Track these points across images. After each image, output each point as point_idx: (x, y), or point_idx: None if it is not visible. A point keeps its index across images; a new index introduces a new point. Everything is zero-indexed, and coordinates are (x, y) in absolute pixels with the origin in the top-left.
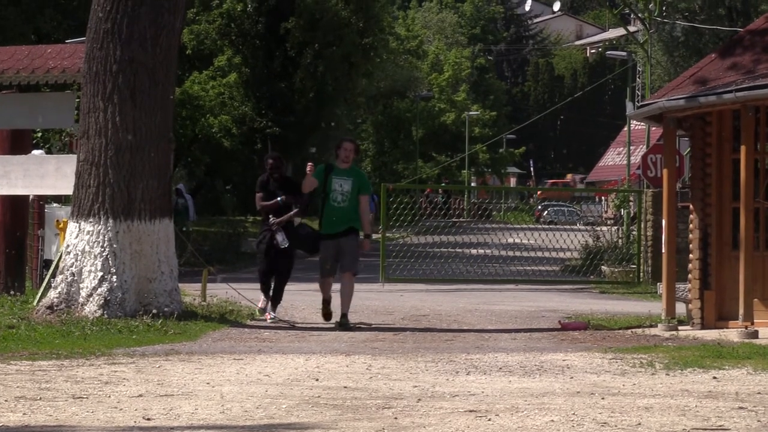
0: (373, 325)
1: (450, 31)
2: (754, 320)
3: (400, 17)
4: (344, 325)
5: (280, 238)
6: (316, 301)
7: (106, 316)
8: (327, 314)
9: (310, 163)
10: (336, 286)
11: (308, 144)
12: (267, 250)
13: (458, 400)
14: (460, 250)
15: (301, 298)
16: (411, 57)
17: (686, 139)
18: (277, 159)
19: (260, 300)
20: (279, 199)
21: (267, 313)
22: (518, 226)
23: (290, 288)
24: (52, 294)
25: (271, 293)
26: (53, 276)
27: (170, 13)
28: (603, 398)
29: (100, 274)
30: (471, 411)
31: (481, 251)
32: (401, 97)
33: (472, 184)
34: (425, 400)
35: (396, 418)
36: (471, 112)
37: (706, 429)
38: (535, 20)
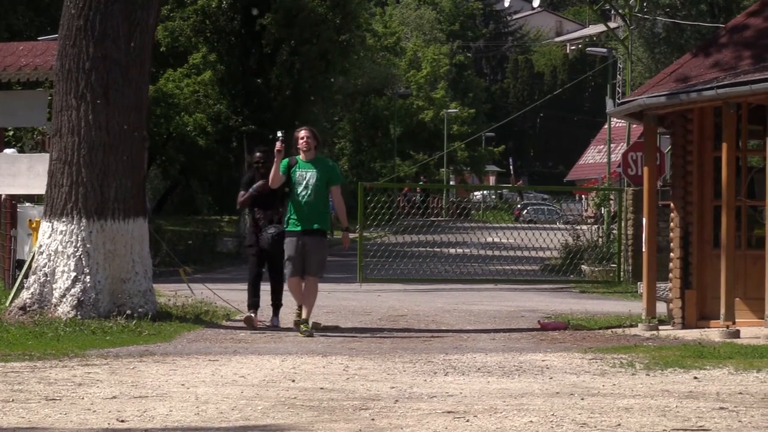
0: (345, 328)
1: (428, 27)
2: (736, 320)
3: (378, 14)
4: (306, 332)
5: (273, 230)
6: (293, 300)
7: (79, 317)
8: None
9: (279, 143)
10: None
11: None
12: (259, 253)
13: (436, 401)
14: (438, 250)
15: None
16: (388, 54)
17: (667, 136)
18: (267, 152)
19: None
20: (279, 135)
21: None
22: (497, 225)
23: (265, 288)
24: (25, 294)
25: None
26: (26, 276)
27: (144, 9)
28: (582, 399)
29: (73, 274)
30: (449, 412)
31: (459, 251)
32: (379, 94)
33: (451, 183)
34: (403, 401)
35: (373, 419)
36: (449, 110)
37: (686, 429)
38: (515, 16)
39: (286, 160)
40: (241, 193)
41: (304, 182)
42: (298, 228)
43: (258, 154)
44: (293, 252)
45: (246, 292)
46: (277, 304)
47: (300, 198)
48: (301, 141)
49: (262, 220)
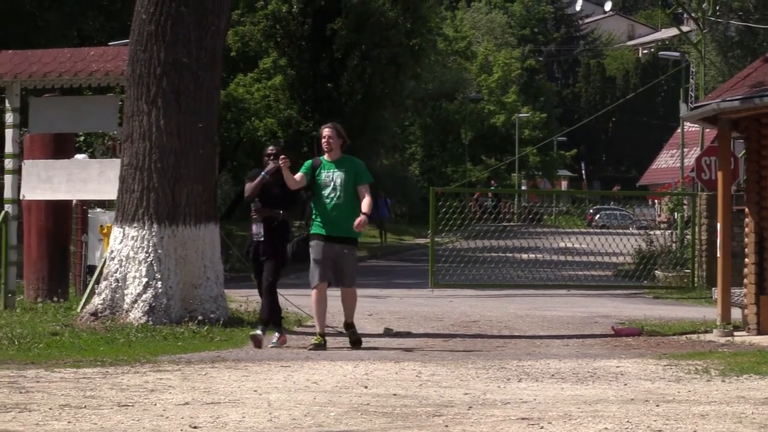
0: (417, 334)
1: (499, 31)
2: None
3: (448, 18)
4: (354, 341)
5: (255, 230)
6: (360, 305)
7: (150, 322)
8: (320, 345)
9: (283, 157)
10: (334, 297)
11: (356, 147)
12: (254, 259)
13: (510, 407)
14: (510, 255)
15: (338, 303)
16: (459, 58)
17: (741, 140)
18: (280, 150)
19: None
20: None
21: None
22: (570, 230)
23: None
24: (96, 300)
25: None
26: (97, 282)
27: (215, 14)
28: (658, 405)
29: (144, 280)
30: (523, 419)
31: (531, 256)
32: (450, 99)
33: (523, 188)
34: (476, 408)
35: (447, 426)
36: (521, 114)
37: None
38: (586, 20)
39: (310, 161)
40: (248, 185)
41: (332, 184)
42: (324, 232)
43: (271, 148)
44: (320, 255)
45: (310, 298)
46: (275, 320)
47: (327, 201)
48: (323, 141)
49: (258, 219)
